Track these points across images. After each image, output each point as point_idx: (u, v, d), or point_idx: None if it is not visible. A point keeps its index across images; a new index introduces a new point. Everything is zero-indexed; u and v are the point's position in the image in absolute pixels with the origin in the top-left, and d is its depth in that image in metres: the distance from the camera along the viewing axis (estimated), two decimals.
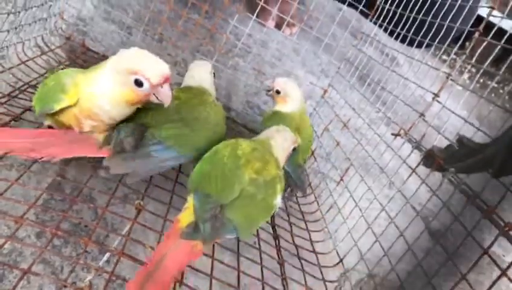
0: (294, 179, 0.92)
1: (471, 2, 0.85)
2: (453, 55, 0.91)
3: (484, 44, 0.73)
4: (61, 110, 0.67)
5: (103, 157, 0.73)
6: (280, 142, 0.79)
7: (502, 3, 0.79)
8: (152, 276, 0.56)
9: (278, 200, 0.71)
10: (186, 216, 0.65)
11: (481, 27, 0.74)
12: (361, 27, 1.20)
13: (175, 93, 0.78)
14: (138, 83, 0.63)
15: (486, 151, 0.99)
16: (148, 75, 0.63)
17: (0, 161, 0.70)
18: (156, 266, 0.57)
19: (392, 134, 0.86)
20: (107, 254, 0.67)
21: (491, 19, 0.75)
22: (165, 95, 0.66)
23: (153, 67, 0.64)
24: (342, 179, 0.97)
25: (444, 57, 2.46)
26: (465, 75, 2.56)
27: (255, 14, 1.18)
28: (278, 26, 1.74)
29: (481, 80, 2.90)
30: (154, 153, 0.70)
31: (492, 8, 0.73)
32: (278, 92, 0.99)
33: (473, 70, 2.74)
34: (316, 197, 1.01)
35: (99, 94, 0.66)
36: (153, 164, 0.71)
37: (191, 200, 0.67)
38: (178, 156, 0.73)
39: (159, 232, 0.68)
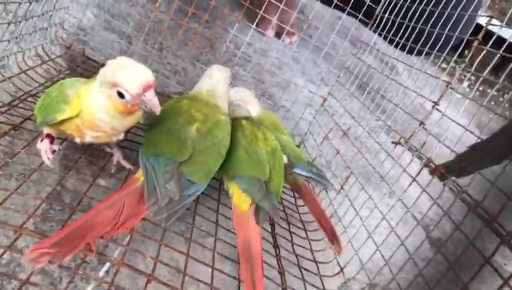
0: (313, 176, 0.92)
1: (470, 10, 0.86)
2: (452, 64, 0.91)
3: (484, 52, 0.73)
4: (63, 120, 0.67)
5: (104, 165, 0.73)
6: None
7: (500, 12, 0.79)
8: None
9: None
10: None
11: (480, 35, 0.74)
12: (361, 36, 1.20)
13: (193, 112, 0.80)
14: (120, 95, 0.63)
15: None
16: (126, 86, 0.62)
17: None
18: None
19: (393, 142, 0.86)
20: (107, 264, 0.67)
21: (490, 27, 0.76)
22: (151, 104, 0.65)
23: (130, 78, 0.62)
24: (342, 188, 0.97)
25: (443, 65, 2.47)
26: (465, 84, 2.57)
27: (255, 23, 1.18)
28: (278, 35, 1.75)
29: (480, 88, 2.90)
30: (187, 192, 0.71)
31: (491, 17, 0.73)
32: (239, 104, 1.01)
33: (473, 78, 2.75)
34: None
35: (98, 106, 0.66)
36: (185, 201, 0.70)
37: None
38: (201, 186, 0.73)
39: (158, 242, 0.68)
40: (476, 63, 0.74)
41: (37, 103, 0.73)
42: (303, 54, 1.32)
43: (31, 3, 0.86)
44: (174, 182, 0.67)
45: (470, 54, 0.76)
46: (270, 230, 0.89)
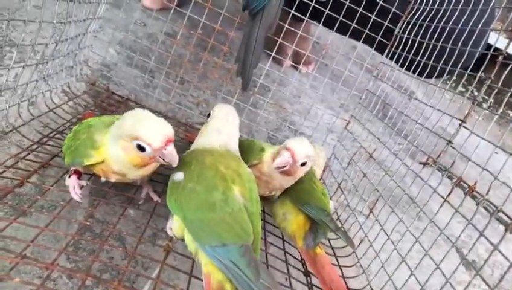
0: (330, 225, 0.78)
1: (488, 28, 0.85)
2: (471, 87, 0.89)
3: (507, 70, 0.71)
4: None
5: (133, 197, 0.73)
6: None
7: None
8: None
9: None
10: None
11: (504, 50, 0.73)
12: (377, 63, 1.21)
13: (222, 169, 0.68)
14: (141, 148, 0.62)
15: None
16: (148, 140, 0.61)
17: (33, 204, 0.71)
18: None
19: (421, 163, 0.85)
20: None
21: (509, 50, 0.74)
22: (170, 157, 0.64)
23: (152, 132, 0.62)
24: (371, 212, 0.95)
25: (461, 88, 2.46)
26: (484, 106, 2.54)
27: (274, 51, 1.20)
28: (295, 63, 1.77)
29: (500, 110, 2.87)
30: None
31: (511, 30, 0.72)
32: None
33: (491, 100, 2.72)
34: (346, 232, 0.98)
35: (113, 158, 0.66)
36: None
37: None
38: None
39: (188, 274, 0.67)
40: (502, 77, 0.72)
41: (65, 142, 0.74)
42: (321, 82, 1.33)
43: (57, 44, 0.88)
44: (265, 272, 0.57)
45: (495, 71, 0.75)
46: (299, 258, 0.87)
